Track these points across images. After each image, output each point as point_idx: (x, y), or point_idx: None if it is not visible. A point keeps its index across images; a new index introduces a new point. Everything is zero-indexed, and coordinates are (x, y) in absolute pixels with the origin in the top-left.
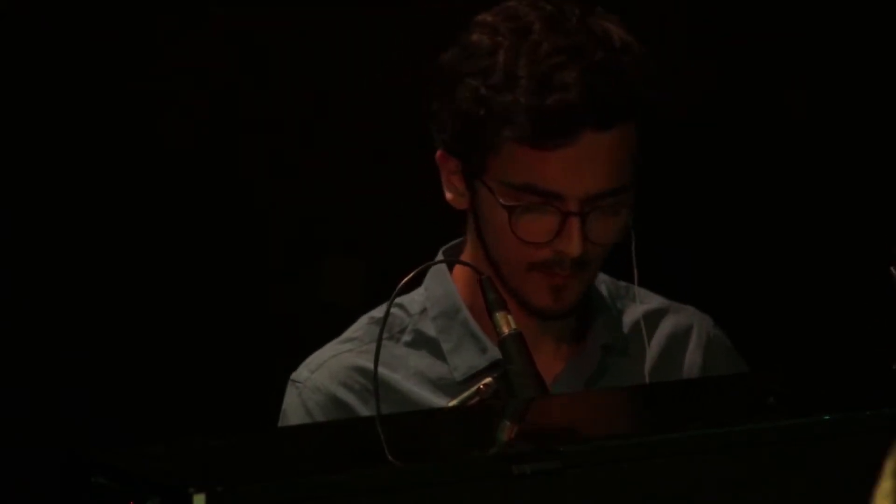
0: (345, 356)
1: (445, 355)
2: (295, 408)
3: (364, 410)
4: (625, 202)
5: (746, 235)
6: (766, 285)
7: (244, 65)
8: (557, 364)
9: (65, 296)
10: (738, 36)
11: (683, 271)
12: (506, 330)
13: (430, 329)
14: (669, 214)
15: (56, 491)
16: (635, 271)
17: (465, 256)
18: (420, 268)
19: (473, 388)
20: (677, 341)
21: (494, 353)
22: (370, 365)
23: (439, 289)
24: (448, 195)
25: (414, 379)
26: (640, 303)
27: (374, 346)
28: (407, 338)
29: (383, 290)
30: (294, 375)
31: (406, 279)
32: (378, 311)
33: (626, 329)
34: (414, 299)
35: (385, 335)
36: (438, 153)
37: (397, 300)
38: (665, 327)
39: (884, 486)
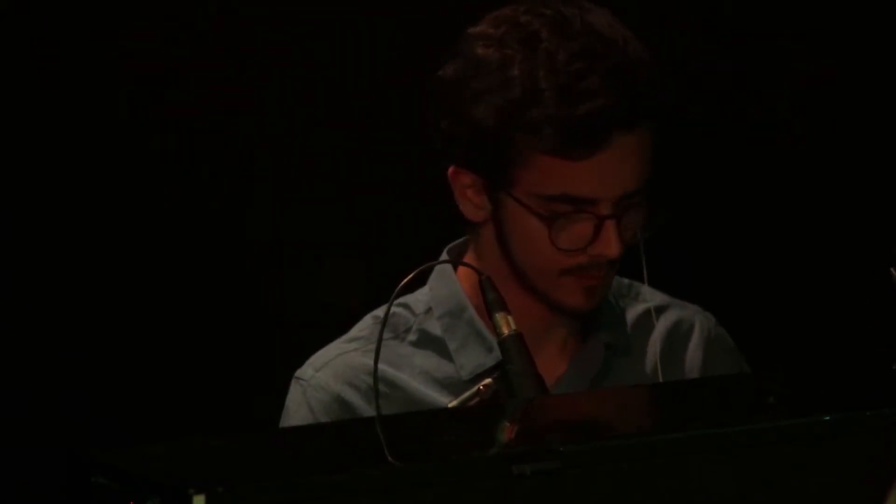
0: (350, 355)
1: (451, 354)
2: (298, 406)
3: (368, 410)
4: (645, 197)
5: (747, 235)
6: (767, 285)
7: (244, 65)
8: (562, 364)
9: (65, 296)
10: (738, 35)
11: (684, 271)
12: (505, 330)
13: (435, 328)
14: (671, 219)
15: (56, 491)
16: (644, 267)
17: (469, 257)
18: (420, 268)
19: (473, 389)
20: (679, 338)
21: None
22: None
23: (444, 288)
24: (464, 209)
25: (420, 378)
26: (643, 300)
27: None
28: (412, 337)
29: (383, 291)
30: (298, 373)
31: (407, 279)
32: (382, 311)
33: (629, 327)
34: (418, 299)
35: (390, 335)
36: (451, 170)
37: (401, 300)
38: (667, 324)
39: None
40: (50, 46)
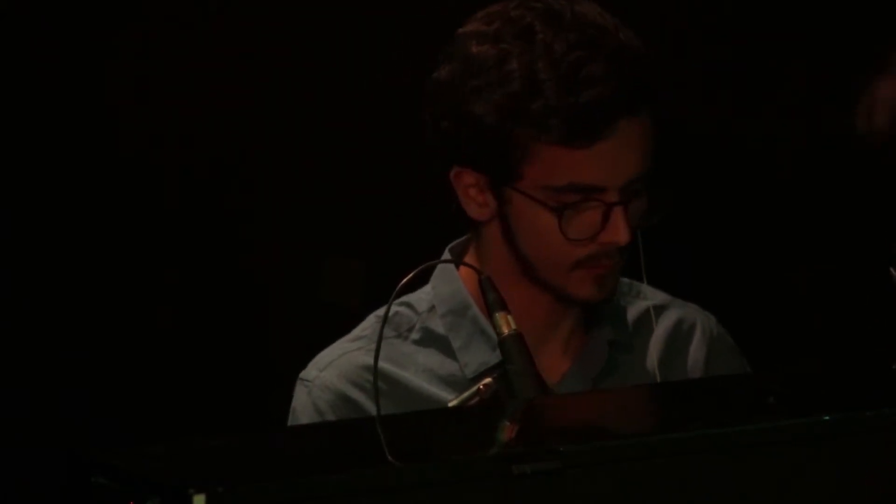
0: (354, 354)
1: (455, 352)
2: (304, 407)
3: (373, 408)
4: (646, 184)
5: (747, 235)
6: (767, 284)
7: (244, 65)
8: (565, 360)
9: (65, 296)
10: (738, 34)
11: (684, 270)
12: (505, 330)
13: (438, 327)
14: (674, 209)
15: (56, 491)
16: (642, 263)
17: (470, 256)
18: (421, 267)
19: (473, 389)
20: (681, 336)
21: None
22: (381, 363)
23: (447, 287)
24: (468, 209)
25: (423, 376)
26: (644, 299)
27: (383, 343)
28: (415, 336)
29: (384, 291)
30: (303, 374)
31: (408, 278)
32: (384, 310)
33: (630, 325)
34: (421, 298)
35: (393, 333)
36: (453, 171)
37: (403, 299)
38: (669, 323)
39: None
40: (48, 46)
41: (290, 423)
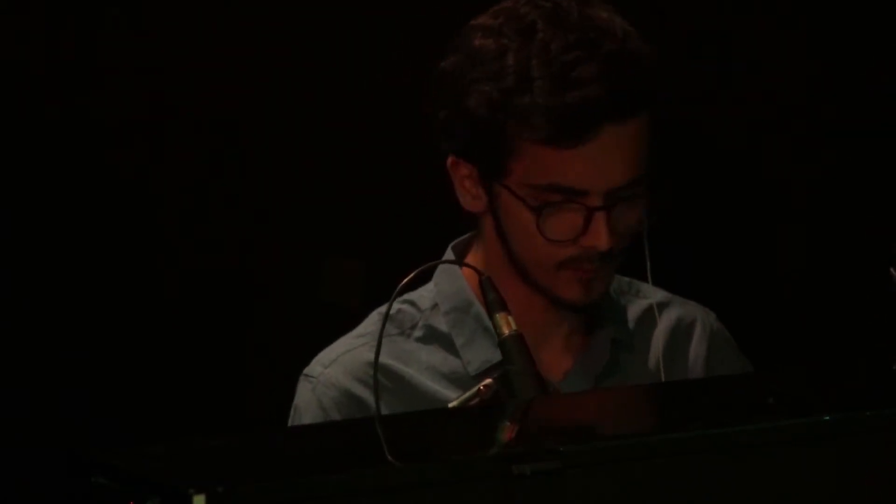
0: (358, 351)
1: (458, 350)
2: (308, 403)
3: (380, 404)
4: (643, 191)
5: (747, 234)
6: (767, 284)
7: (244, 65)
8: (568, 359)
9: (65, 296)
10: (739, 33)
11: (684, 269)
12: (506, 330)
13: (441, 324)
14: (671, 212)
15: (56, 491)
16: (648, 264)
17: (474, 253)
18: (423, 267)
19: (473, 389)
20: (682, 332)
21: None
22: (383, 359)
23: (450, 284)
24: (462, 200)
25: (427, 373)
26: (644, 297)
27: (385, 340)
28: (418, 333)
29: (384, 291)
30: (307, 370)
31: (410, 277)
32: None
33: (631, 324)
34: (423, 295)
35: (396, 331)
36: (450, 160)
37: (406, 296)
38: (670, 320)
39: None
40: (48, 45)
41: (291, 419)
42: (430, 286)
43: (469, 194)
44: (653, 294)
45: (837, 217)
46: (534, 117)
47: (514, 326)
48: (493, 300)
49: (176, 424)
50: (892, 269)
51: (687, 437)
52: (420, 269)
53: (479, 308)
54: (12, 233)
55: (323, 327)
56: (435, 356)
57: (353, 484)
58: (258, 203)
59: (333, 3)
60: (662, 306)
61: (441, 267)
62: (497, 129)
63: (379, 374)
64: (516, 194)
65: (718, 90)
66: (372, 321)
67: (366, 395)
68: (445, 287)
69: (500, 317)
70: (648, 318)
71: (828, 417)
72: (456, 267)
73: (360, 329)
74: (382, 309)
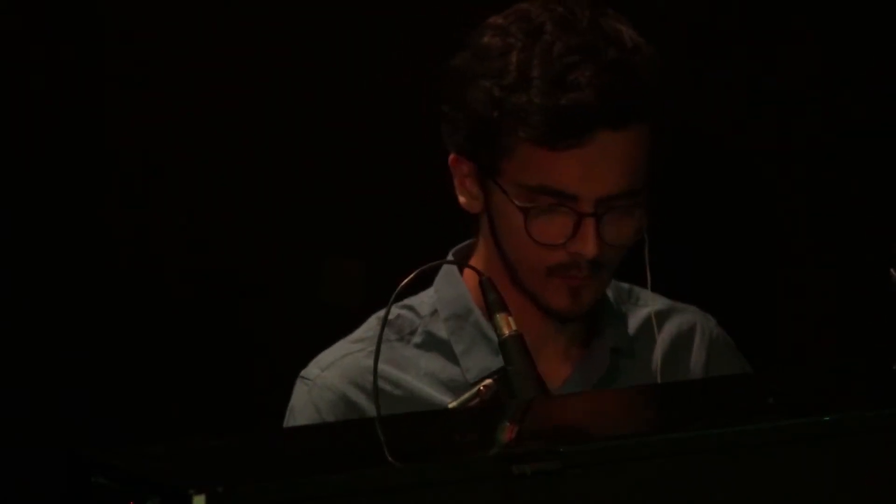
0: (355, 356)
1: (457, 357)
2: (304, 406)
3: (374, 411)
4: (639, 204)
5: (747, 234)
6: (767, 285)
7: (245, 64)
8: (567, 367)
9: (65, 296)
10: (741, 37)
11: (684, 270)
12: (506, 331)
13: (440, 331)
14: (671, 212)
15: (56, 491)
16: (648, 274)
17: (476, 258)
18: (421, 269)
19: (473, 390)
20: (682, 340)
21: None
22: (381, 365)
23: (450, 290)
24: (461, 199)
25: (425, 380)
26: (644, 305)
27: (384, 346)
28: (417, 339)
29: (384, 291)
30: (304, 373)
31: (408, 280)
32: None
33: (631, 331)
34: (423, 301)
35: (395, 336)
36: (451, 157)
37: (406, 302)
38: (670, 328)
39: None
40: (48, 44)
41: (286, 421)
42: (430, 292)
43: (468, 194)
44: (652, 301)
45: (837, 217)
46: (529, 116)
47: (514, 327)
48: (494, 301)
49: (176, 424)
50: (892, 269)
51: (687, 437)
52: (418, 270)
53: (478, 315)
54: (12, 233)
55: (323, 328)
56: (434, 363)
57: (353, 484)
58: (258, 203)
59: (333, 3)
60: (662, 314)
61: (442, 273)
62: (495, 126)
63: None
64: (508, 194)
65: (719, 91)
66: (370, 325)
67: (361, 400)
68: (445, 293)
69: (500, 317)
70: (648, 325)
71: (828, 417)
72: (456, 273)
73: (359, 333)
74: (381, 313)
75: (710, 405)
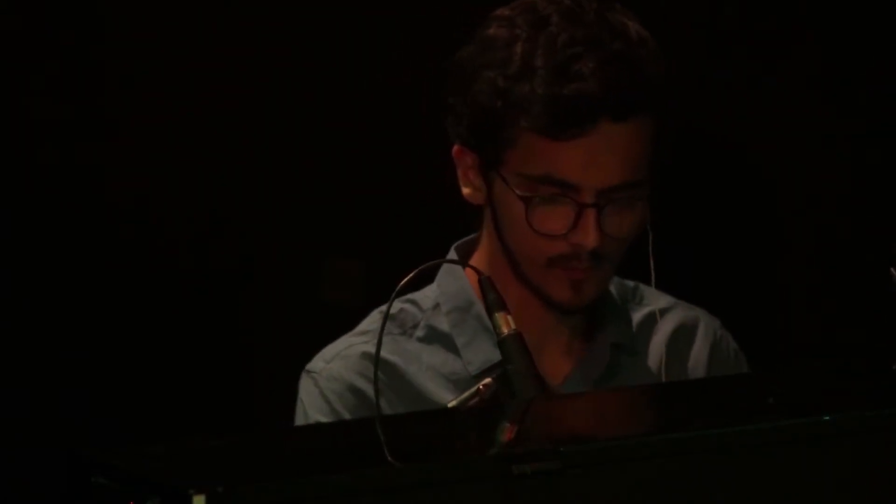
0: (360, 347)
1: (459, 350)
2: (313, 397)
3: (381, 401)
4: (641, 196)
5: (747, 235)
6: (767, 284)
7: (245, 64)
8: (567, 364)
9: (65, 296)
10: (744, 38)
11: (684, 270)
12: (505, 330)
13: (443, 324)
14: (671, 212)
15: (56, 491)
16: (652, 271)
17: (478, 252)
18: (423, 267)
19: (473, 389)
20: (684, 336)
21: None
22: (386, 356)
23: (452, 284)
24: (465, 190)
25: (428, 374)
26: (648, 302)
27: (387, 339)
28: (420, 333)
29: (384, 291)
30: (309, 366)
31: (409, 277)
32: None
33: (634, 328)
34: (426, 295)
35: (397, 330)
36: (455, 148)
37: (408, 296)
38: (672, 323)
39: None
40: (48, 44)
41: (297, 414)
42: (432, 286)
43: (472, 185)
44: (657, 299)
45: (837, 217)
46: (532, 106)
47: (513, 326)
48: (493, 300)
49: (176, 424)
50: (892, 269)
51: (687, 437)
52: (420, 268)
53: (480, 308)
54: (12, 233)
55: (323, 327)
56: (436, 357)
57: (353, 484)
58: (258, 203)
59: (333, 3)
60: (665, 311)
61: (444, 267)
62: (498, 117)
63: (382, 372)
64: (510, 184)
65: (721, 91)
66: (373, 319)
67: (368, 388)
68: (447, 287)
69: (499, 316)
70: (651, 323)
71: (828, 417)
72: (458, 267)
73: (362, 327)
74: (384, 307)
75: (710, 405)
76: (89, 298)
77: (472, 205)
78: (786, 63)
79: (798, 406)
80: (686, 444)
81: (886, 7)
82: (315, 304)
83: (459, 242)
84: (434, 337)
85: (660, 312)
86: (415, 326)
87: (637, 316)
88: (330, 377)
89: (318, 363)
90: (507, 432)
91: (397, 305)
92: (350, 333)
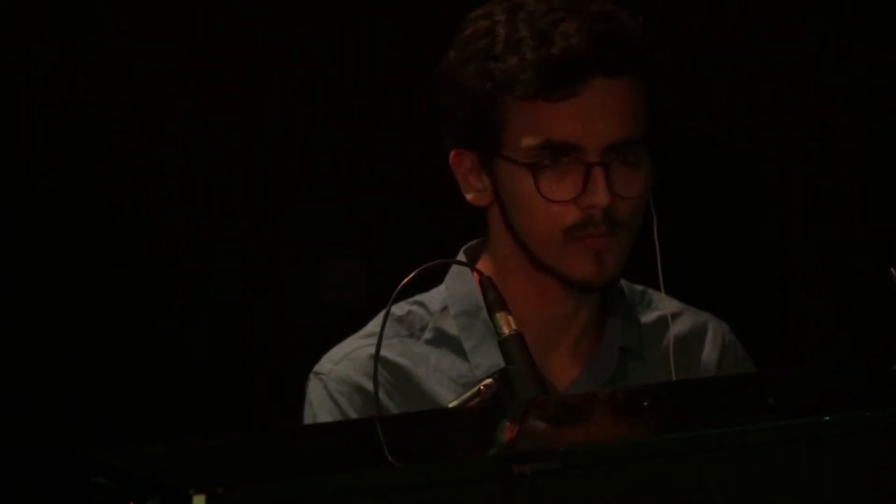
0: (367, 349)
1: (467, 353)
2: (321, 399)
3: (387, 401)
4: (645, 156)
5: (747, 235)
6: (767, 285)
7: (244, 64)
8: (575, 367)
9: (65, 296)
10: (743, 34)
11: (685, 270)
12: (506, 330)
13: (451, 327)
14: (671, 212)
15: (56, 491)
16: (660, 273)
17: (486, 255)
18: (422, 268)
19: (473, 389)
20: (693, 342)
21: None
22: (394, 358)
23: (461, 287)
24: (468, 196)
25: (435, 376)
26: (657, 307)
27: (396, 340)
28: (428, 335)
29: (384, 291)
30: (317, 368)
31: (409, 278)
32: (398, 308)
33: (642, 333)
34: (434, 297)
35: (405, 332)
36: (452, 154)
37: (417, 298)
38: (681, 330)
39: None
40: (48, 44)
41: (306, 416)
42: (441, 289)
43: (474, 189)
44: (666, 304)
45: (837, 217)
46: (523, 73)
47: (513, 326)
48: (493, 300)
49: (176, 424)
50: (892, 269)
51: (687, 437)
52: (421, 268)
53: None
54: (12, 233)
55: (323, 327)
56: (444, 360)
57: (353, 484)
58: (258, 203)
59: (333, 3)
60: (675, 317)
61: (452, 270)
62: (489, 99)
63: (388, 373)
64: (513, 160)
65: (721, 91)
66: (379, 321)
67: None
68: (456, 290)
69: (500, 316)
70: (659, 326)
71: (828, 417)
72: (467, 270)
73: (368, 329)
74: (393, 309)
75: (710, 405)
76: (89, 298)
77: (475, 211)
78: (786, 63)
79: (798, 406)
80: (686, 444)
81: (887, 6)
82: (315, 304)
83: (468, 245)
84: (442, 340)
85: (669, 318)
86: (423, 329)
87: (646, 321)
88: (338, 379)
89: (325, 365)
90: (507, 432)
91: (405, 307)
92: (357, 335)
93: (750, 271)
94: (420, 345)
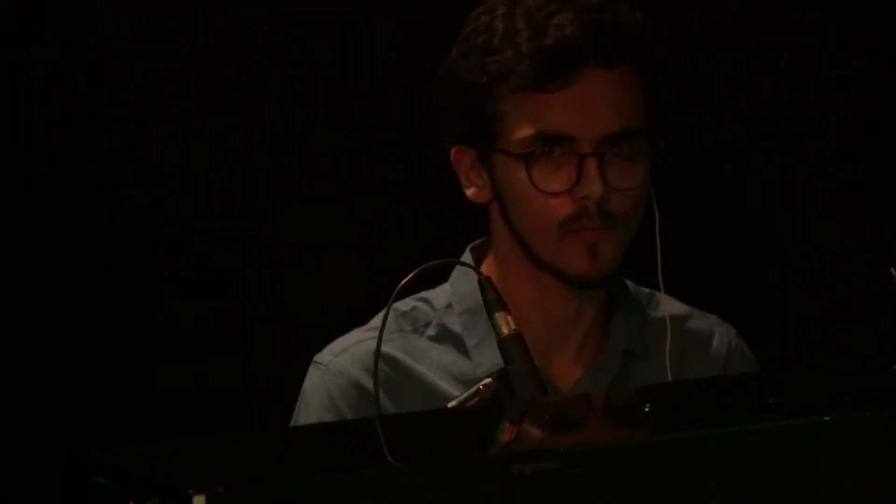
0: (369, 343)
1: (469, 351)
2: (316, 389)
3: (385, 398)
4: (641, 148)
5: (747, 234)
6: (767, 284)
7: (245, 64)
8: (578, 369)
9: (65, 296)
10: (743, 33)
11: (684, 269)
12: (505, 330)
13: (454, 324)
14: (670, 210)
15: (56, 491)
16: (660, 275)
17: (491, 254)
18: (422, 268)
19: (473, 389)
20: (698, 346)
21: None
22: (394, 353)
23: (466, 285)
24: (469, 192)
25: (437, 373)
26: (663, 310)
27: (398, 335)
28: (431, 332)
29: (384, 291)
30: (318, 357)
31: (408, 278)
32: (403, 304)
33: (646, 335)
34: (439, 294)
35: (409, 328)
36: (453, 151)
37: (422, 294)
38: (687, 333)
39: None
40: (48, 44)
41: (298, 405)
42: (446, 286)
43: (475, 184)
44: (671, 306)
45: (838, 217)
46: (518, 64)
47: (513, 326)
48: (493, 299)
49: (176, 424)
50: (892, 269)
51: (687, 437)
52: (422, 268)
53: None
54: (12, 233)
55: (323, 327)
56: (446, 356)
57: (353, 484)
58: (258, 203)
59: (333, 3)
60: (680, 319)
61: (458, 268)
62: (485, 91)
63: (389, 368)
64: (508, 152)
65: (721, 90)
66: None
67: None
68: (460, 288)
69: (499, 316)
70: (664, 329)
71: (828, 417)
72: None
73: (373, 323)
74: (397, 304)
75: (710, 405)
76: (89, 298)
77: (478, 209)
78: (789, 61)
79: (798, 406)
80: (686, 444)
81: (887, 6)
82: (315, 304)
83: (474, 244)
84: (445, 336)
85: (674, 320)
86: (426, 325)
87: (650, 322)
88: (336, 372)
89: (325, 356)
90: (506, 432)
91: (410, 303)
92: (361, 329)
93: (749, 271)
94: (423, 340)
